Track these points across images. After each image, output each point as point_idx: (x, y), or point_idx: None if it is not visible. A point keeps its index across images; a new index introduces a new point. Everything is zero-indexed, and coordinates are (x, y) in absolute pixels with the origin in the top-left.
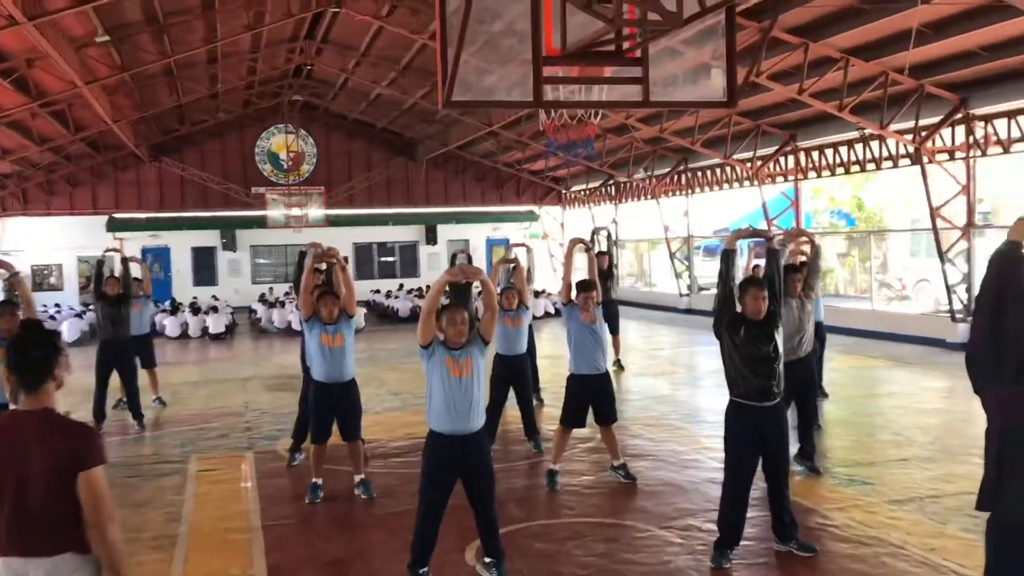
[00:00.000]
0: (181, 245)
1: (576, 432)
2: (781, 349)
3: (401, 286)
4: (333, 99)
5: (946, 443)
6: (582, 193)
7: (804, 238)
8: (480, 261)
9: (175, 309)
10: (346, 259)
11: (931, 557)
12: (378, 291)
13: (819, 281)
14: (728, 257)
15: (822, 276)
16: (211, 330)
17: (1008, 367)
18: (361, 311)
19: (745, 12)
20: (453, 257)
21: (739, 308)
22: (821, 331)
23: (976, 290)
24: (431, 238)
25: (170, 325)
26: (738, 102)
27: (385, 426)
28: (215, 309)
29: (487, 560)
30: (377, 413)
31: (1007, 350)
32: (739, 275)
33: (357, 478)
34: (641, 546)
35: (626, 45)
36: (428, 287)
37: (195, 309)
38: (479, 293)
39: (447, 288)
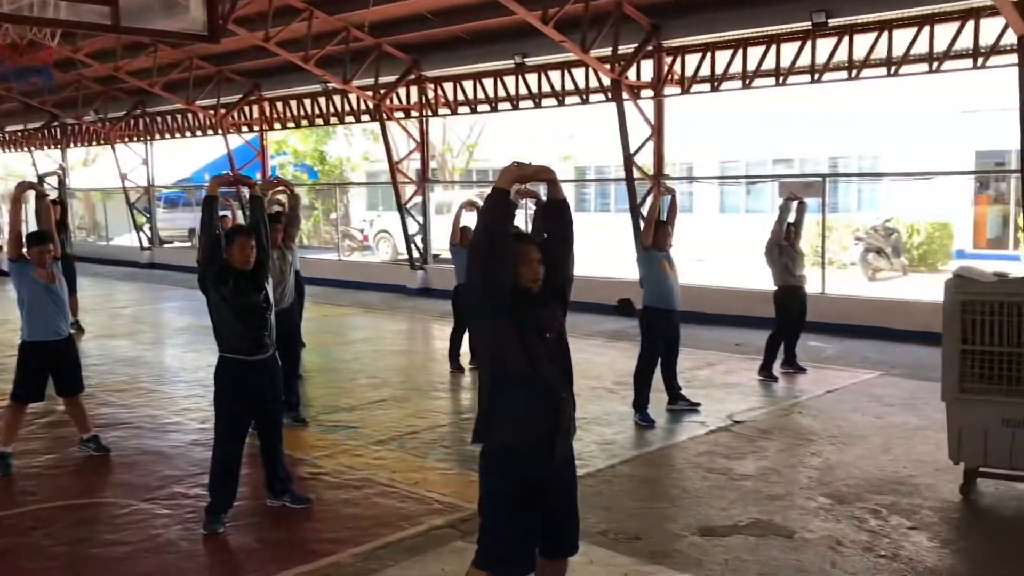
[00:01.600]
0: None
1: (32, 407)
2: (272, 299)
3: None
4: None
5: (415, 381)
6: (19, 135)
7: (281, 187)
8: None
9: None
10: None
11: (416, 490)
12: None
13: (298, 231)
14: (211, 204)
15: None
16: None
17: (495, 306)
18: None
19: None
20: None
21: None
22: (300, 281)
23: (433, 240)
24: None
25: None
26: (220, 38)
27: None
28: None
29: None
30: None
31: (494, 291)
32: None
33: None
34: (124, 523)
35: None
36: None
37: None
38: None
39: None
